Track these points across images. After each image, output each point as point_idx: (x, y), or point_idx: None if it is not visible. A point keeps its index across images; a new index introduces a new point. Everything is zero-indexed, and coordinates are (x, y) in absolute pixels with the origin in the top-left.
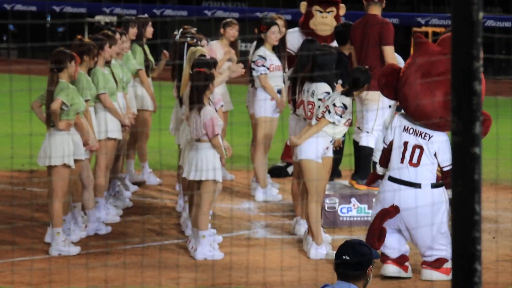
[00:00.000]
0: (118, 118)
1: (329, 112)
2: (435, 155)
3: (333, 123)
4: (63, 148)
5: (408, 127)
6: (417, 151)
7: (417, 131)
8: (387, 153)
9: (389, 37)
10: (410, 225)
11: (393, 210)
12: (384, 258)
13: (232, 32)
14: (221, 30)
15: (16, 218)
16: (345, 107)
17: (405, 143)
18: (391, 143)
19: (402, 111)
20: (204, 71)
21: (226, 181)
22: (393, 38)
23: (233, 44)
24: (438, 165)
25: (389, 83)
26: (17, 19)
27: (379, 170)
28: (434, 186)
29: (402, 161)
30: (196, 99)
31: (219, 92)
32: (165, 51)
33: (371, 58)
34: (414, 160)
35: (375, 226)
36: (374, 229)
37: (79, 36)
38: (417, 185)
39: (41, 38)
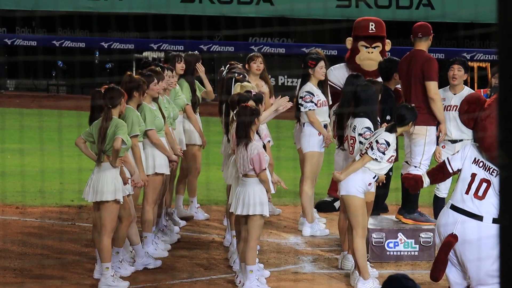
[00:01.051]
0: (166, 153)
1: (372, 148)
2: None
3: (376, 159)
4: (114, 183)
5: (478, 160)
6: (484, 184)
7: (486, 165)
8: (438, 168)
9: (431, 73)
10: (465, 257)
11: (454, 240)
12: None
13: (256, 65)
14: (246, 66)
15: (65, 253)
16: (387, 144)
17: (473, 175)
18: (457, 170)
19: (474, 142)
20: (249, 106)
21: (274, 216)
22: (436, 73)
23: (262, 77)
24: None
25: (471, 111)
26: (66, 55)
27: (426, 181)
28: (495, 221)
29: (467, 192)
30: (243, 134)
31: (264, 127)
32: (198, 64)
33: (415, 94)
34: (480, 193)
35: (441, 260)
36: (439, 263)
37: (128, 73)
38: (479, 217)
39: (90, 74)
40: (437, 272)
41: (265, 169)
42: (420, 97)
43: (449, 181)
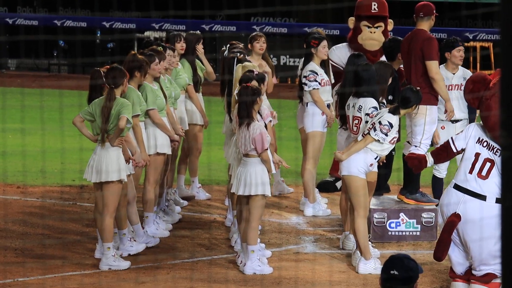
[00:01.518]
0: (167, 133)
1: (375, 129)
2: None
3: (378, 140)
4: (118, 163)
5: (482, 139)
6: (488, 164)
7: (490, 145)
8: (442, 148)
9: (431, 52)
10: (468, 236)
11: (457, 220)
12: (452, 274)
13: (259, 45)
14: (249, 45)
15: (66, 233)
16: (390, 125)
17: (477, 155)
18: (461, 150)
19: (480, 122)
20: (251, 86)
21: (275, 196)
22: (436, 53)
23: (263, 57)
24: None
25: (476, 90)
26: (67, 35)
27: (429, 161)
28: (498, 201)
29: (471, 172)
30: (245, 114)
31: (266, 107)
32: (198, 46)
33: (415, 73)
34: (483, 173)
35: (444, 239)
36: (443, 243)
37: (133, 52)
38: (482, 197)
39: (91, 53)
40: (440, 252)
41: (267, 149)
42: (420, 76)
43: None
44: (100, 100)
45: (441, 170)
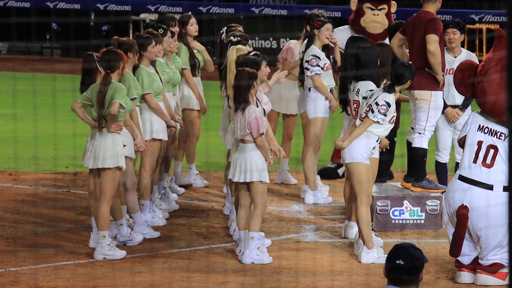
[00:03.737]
0: (164, 118)
1: (372, 111)
2: None
3: (378, 122)
4: (116, 150)
5: (483, 126)
6: (491, 151)
7: (492, 130)
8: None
9: (433, 28)
10: (477, 226)
11: (466, 212)
12: (458, 264)
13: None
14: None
15: (59, 221)
16: (388, 105)
17: (479, 143)
18: (464, 138)
19: (476, 109)
20: (246, 70)
21: (275, 183)
22: (438, 31)
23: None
24: None
25: (465, 78)
26: (60, 17)
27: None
28: (506, 188)
29: (475, 161)
30: (241, 99)
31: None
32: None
33: (418, 56)
34: (488, 161)
35: (460, 234)
36: (458, 238)
37: (115, 37)
38: (489, 186)
39: (85, 36)
40: (458, 247)
41: (262, 134)
42: (424, 60)
43: (449, 146)
44: (96, 84)
45: (443, 156)
